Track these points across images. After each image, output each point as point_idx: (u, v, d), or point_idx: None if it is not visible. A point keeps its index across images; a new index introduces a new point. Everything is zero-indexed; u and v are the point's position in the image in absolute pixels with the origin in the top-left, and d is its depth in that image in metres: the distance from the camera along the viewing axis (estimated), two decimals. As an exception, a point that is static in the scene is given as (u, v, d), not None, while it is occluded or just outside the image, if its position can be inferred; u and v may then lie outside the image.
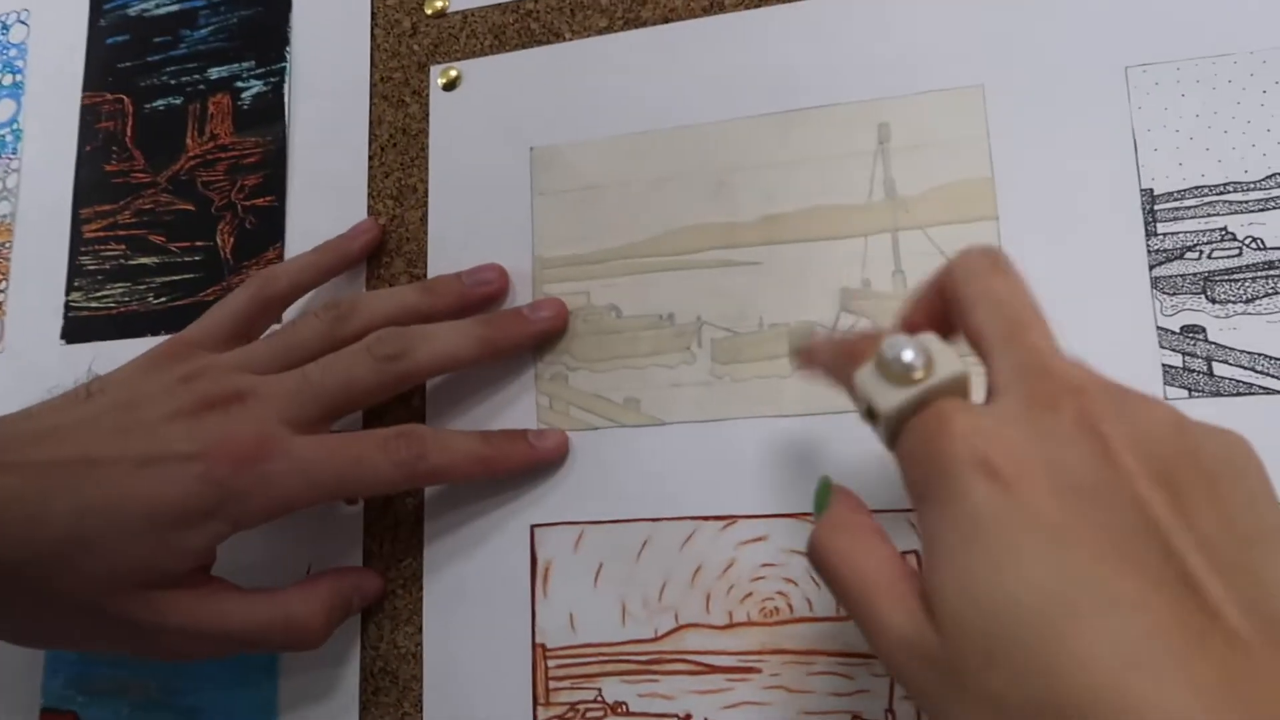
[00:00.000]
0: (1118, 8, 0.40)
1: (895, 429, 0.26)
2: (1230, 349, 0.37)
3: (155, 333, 0.51)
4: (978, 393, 0.27)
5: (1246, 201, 0.37)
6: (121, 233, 0.53)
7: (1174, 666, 0.19)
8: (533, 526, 0.43)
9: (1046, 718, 0.20)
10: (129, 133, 0.54)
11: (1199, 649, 0.19)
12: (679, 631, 0.40)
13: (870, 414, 0.27)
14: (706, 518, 0.41)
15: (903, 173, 0.41)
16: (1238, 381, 0.36)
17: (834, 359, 0.32)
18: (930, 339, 0.27)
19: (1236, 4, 0.39)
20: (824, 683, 0.38)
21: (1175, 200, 0.38)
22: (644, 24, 0.46)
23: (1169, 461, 0.23)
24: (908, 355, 0.26)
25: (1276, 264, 0.37)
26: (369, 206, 0.49)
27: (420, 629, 0.44)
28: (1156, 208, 0.38)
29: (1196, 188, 0.38)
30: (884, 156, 0.42)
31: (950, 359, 0.26)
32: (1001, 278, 0.28)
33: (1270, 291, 0.37)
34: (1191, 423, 0.24)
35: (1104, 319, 0.38)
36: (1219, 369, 0.37)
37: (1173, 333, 0.37)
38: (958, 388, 0.26)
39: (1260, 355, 0.36)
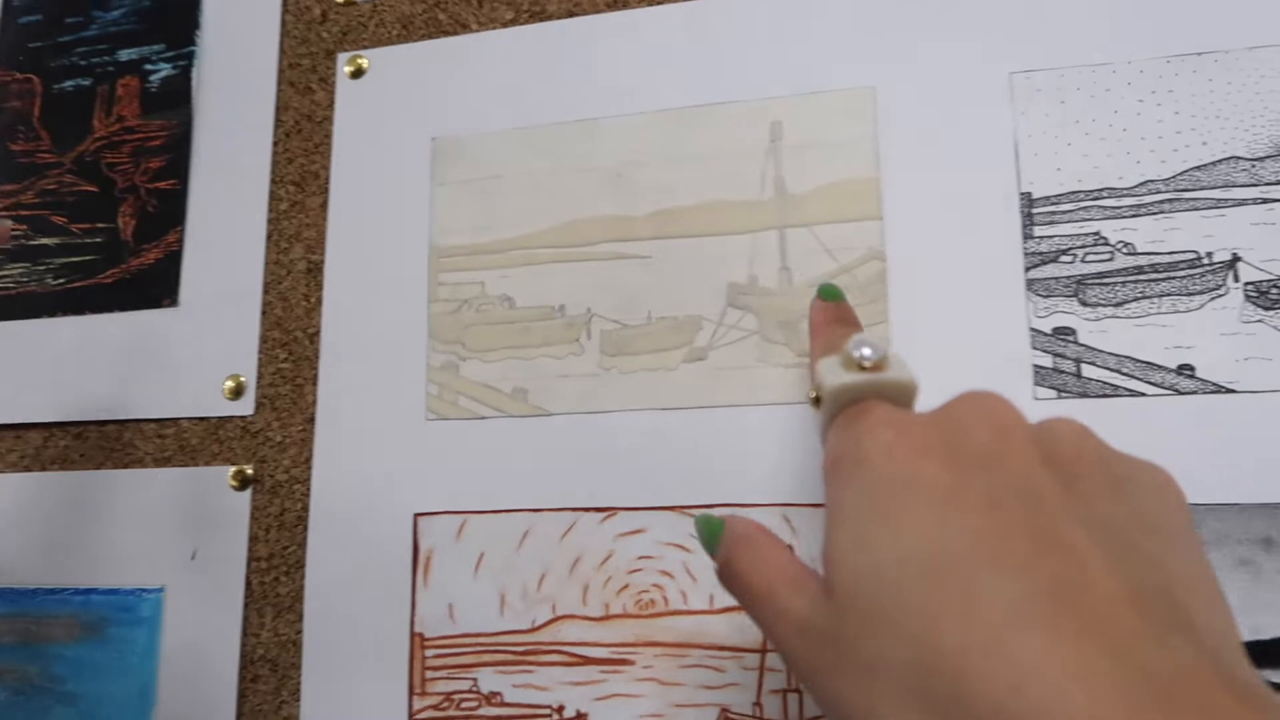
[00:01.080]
0: (1005, 15, 0.41)
1: (832, 412, 0.27)
2: (1099, 351, 0.37)
3: (52, 314, 0.50)
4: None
5: (1120, 207, 0.38)
6: (24, 213, 0.52)
7: (1050, 629, 0.19)
8: (416, 515, 0.43)
9: (922, 679, 0.20)
10: (36, 112, 0.53)
11: (1075, 614, 0.19)
12: (556, 623, 0.40)
13: (815, 399, 0.28)
14: (587, 509, 0.41)
15: (793, 170, 0.42)
16: (1104, 384, 0.37)
17: (829, 323, 0.34)
18: (895, 351, 0.29)
19: (1117, 15, 0.40)
20: (695, 675, 0.38)
21: (1052, 204, 0.39)
22: (549, 18, 0.46)
23: (1069, 458, 0.23)
24: (865, 350, 0.27)
25: (1146, 269, 0.37)
26: (271, 192, 0.48)
27: (301, 617, 0.43)
28: (1034, 211, 0.39)
29: (1073, 193, 0.39)
30: (775, 154, 0.42)
31: (904, 368, 0.28)
32: None
33: (1139, 296, 0.37)
34: (1113, 449, 0.25)
35: (980, 319, 0.38)
36: (1088, 370, 0.37)
37: (1045, 334, 0.38)
38: (901, 393, 0.27)
39: (1127, 358, 0.37)
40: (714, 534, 0.30)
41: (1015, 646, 0.19)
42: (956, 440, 0.23)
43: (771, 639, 0.26)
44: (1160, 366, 0.36)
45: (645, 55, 0.44)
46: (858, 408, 0.26)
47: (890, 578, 0.22)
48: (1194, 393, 0.36)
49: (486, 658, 0.40)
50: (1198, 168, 0.38)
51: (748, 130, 0.42)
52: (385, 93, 0.48)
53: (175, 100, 0.51)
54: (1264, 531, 0.34)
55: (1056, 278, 0.38)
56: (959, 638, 0.20)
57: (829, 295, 0.35)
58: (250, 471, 0.45)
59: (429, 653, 0.41)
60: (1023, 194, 0.39)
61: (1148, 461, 0.25)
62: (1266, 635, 0.33)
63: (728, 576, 0.29)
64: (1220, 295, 0.36)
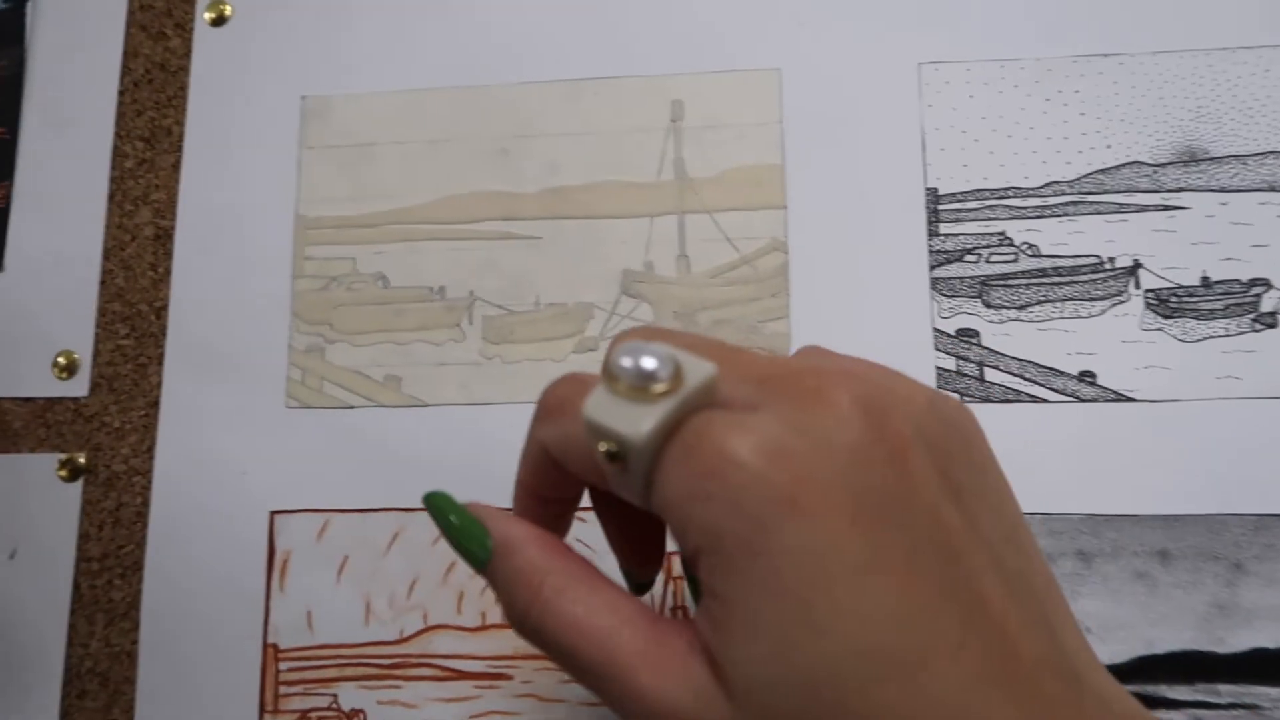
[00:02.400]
0: (914, 3, 0.39)
1: (648, 464, 0.20)
2: (1001, 355, 0.36)
3: None
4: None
5: (1025, 208, 0.37)
6: None
7: (999, 712, 0.18)
8: (272, 513, 0.39)
9: None
10: None
11: (1008, 695, 0.18)
12: (426, 633, 0.37)
13: (613, 455, 0.20)
14: (464, 509, 0.37)
15: (694, 153, 0.39)
16: (1007, 389, 0.36)
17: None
18: (665, 345, 0.21)
19: (1027, 11, 0.39)
20: (578, 691, 0.36)
21: (958, 201, 0.37)
22: (436, -27, 0.43)
23: (939, 444, 0.20)
24: (650, 363, 0.20)
25: (1049, 272, 0.37)
26: (115, 147, 0.43)
27: (137, 625, 0.39)
28: (940, 208, 0.38)
29: (979, 190, 0.37)
30: (675, 135, 0.39)
31: (697, 362, 0.20)
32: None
33: (1042, 299, 0.36)
34: (935, 395, 0.22)
35: (883, 317, 0.37)
36: (990, 374, 0.36)
37: (949, 335, 0.37)
38: (710, 396, 0.20)
39: (1029, 362, 0.36)
40: (475, 537, 0.23)
41: None
42: (851, 474, 0.19)
43: (616, 712, 0.21)
44: (1062, 373, 0.36)
45: (537, 21, 0.41)
46: (696, 449, 0.19)
47: (818, 684, 0.18)
48: (1094, 400, 0.35)
49: (348, 671, 0.37)
50: (1101, 171, 0.37)
51: (646, 108, 0.40)
52: (250, 43, 0.43)
53: (5, 38, 0.45)
54: (1160, 544, 0.34)
55: (961, 277, 0.37)
56: None
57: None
58: (82, 460, 0.40)
59: (283, 665, 0.37)
60: (929, 189, 0.38)
61: (953, 401, 0.22)
62: (1160, 650, 0.33)
63: (530, 631, 0.22)
64: (1122, 302, 0.36)
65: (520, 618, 0.22)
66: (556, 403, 0.24)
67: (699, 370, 0.20)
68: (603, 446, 0.20)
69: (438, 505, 0.24)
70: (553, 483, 0.25)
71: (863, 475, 0.19)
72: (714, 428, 0.19)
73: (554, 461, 0.24)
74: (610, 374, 0.20)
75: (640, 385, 0.19)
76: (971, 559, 0.19)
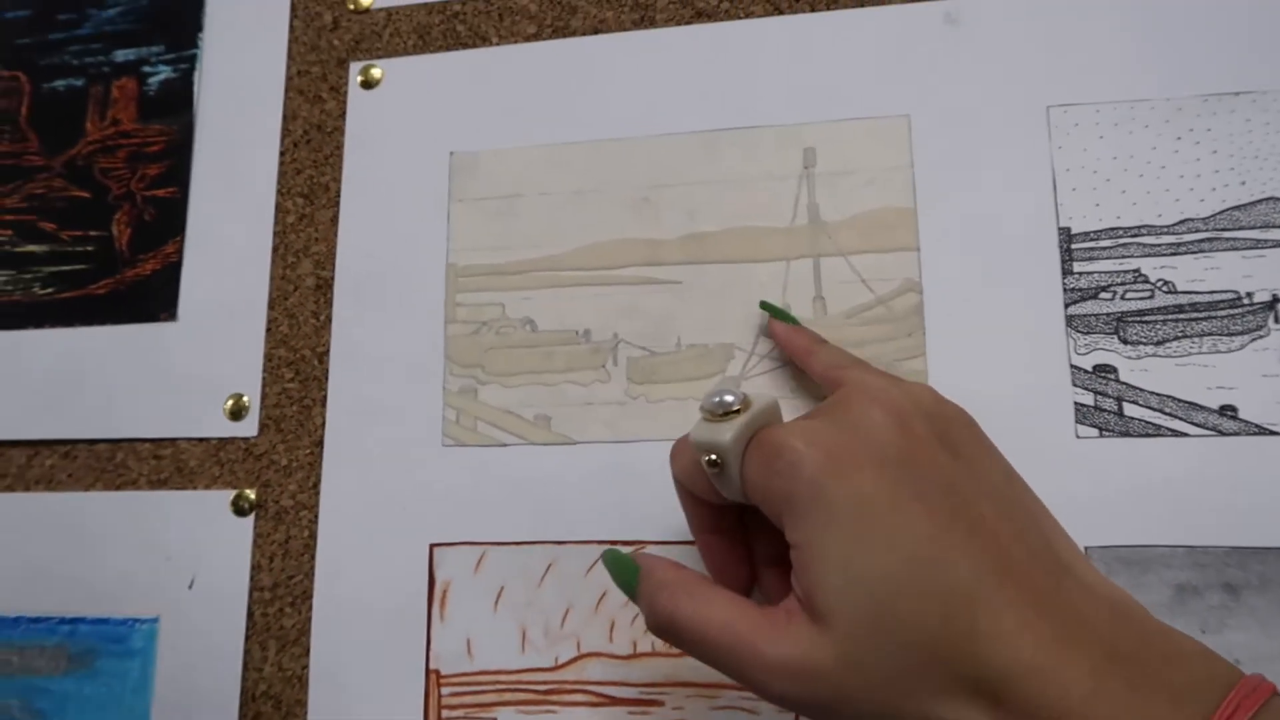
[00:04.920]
0: (1042, 48, 0.40)
1: (738, 464, 0.29)
2: (1140, 390, 0.37)
3: (39, 325, 0.48)
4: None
5: (1159, 245, 0.38)
6: (9, 218, 0.50)
7: (1001, 601, 0.24)
8: (432, 546, 0.41)
9: (934, 676, 0.24)
10: (24, 112, 0.51)
11: (1010, 583, 0.25)
12: (580, 660, 0.39)
13: (713, 462, 0.29)
14: (614, 542, 0.39)
15: (827, 198, 0.41)
16: (1147, 423, 0.36)
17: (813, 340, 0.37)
18: (735, 387, 0.30)
19: (1154, 52, 0.39)
20: (728, 717, 0.37)
21: (1091, 240, 0.38)
22: (573, 34, 0.45)
23: (938, 418, 0.28)
24: (728, 397, 0.29)
25: (1186, 308, 0.37)
26: (278, 204, 0.46)
27: (308, 651, 0.41)
28: (1073, 247, 0.38)
29: (1112, 229, 0.38)
30: (809, 181, 0.41)
31: (760, 394, 0.30)
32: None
33: (1179, 335, 0.37)
34: (940, 395, 0.30)
35: (1019, 354, 0.38)
36: (1129, 409, 0.37)
37: (1085, 371, 0.37)
38: (774, 415, 0.30)
39: (1168, 397, 0.37)
40: (629, 573, 0.31)
41: (984, 626, 0.24)
42: (872, 443, 0.27)
43: (751, 686, 0.27)
44: (1202, 407, 0.36)
45: (671, 76, 0.43)
46: (764, 445, 0.28)
47: (877, 591, 0.25)
48: (1237, 434, 0.36)
49: (507, 697, 0.39)
50: (1236, 207, 0.38)
51: (779, 156, 0.42)
52: (400, 104, 0.46)
53: (175, 105, 0.49)
54: (1313, 578, 0.34)
55: (1096, 314, 0.38)
56: (944, 630, 0.24)
57: (783, 315, 0.39)
58: (253, 496, 0.43)
59: (445, 691, 0.39)
60: (1061, 229, 0.39)
61: (955, 405, 0.30)
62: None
63: (673, 631, 0.29)
64: (1261, 336, 0.36)
65: (659, 617, 0.29)
66: (675, 449, 0.32)
67: (763, 398, 0.30)
68: (705, 458, 0.29)
69: (609, 555, 0.32)
70: (701, 515, 0.33)
71: (880, 442, 0.27)
72: (776, 431, 0.28)
73: (692, 495, 0.32)
74: (703, 409, 0.29)
75: (721, 411, 0.29)
76: (968, 491, 0.27)
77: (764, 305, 0.39)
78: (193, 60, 0.49)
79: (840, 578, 0.25)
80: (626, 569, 0.31)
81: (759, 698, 0.28)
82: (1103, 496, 0.36)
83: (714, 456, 0.29)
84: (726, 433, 0.28)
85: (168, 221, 0.47)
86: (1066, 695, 0.23)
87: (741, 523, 0.33)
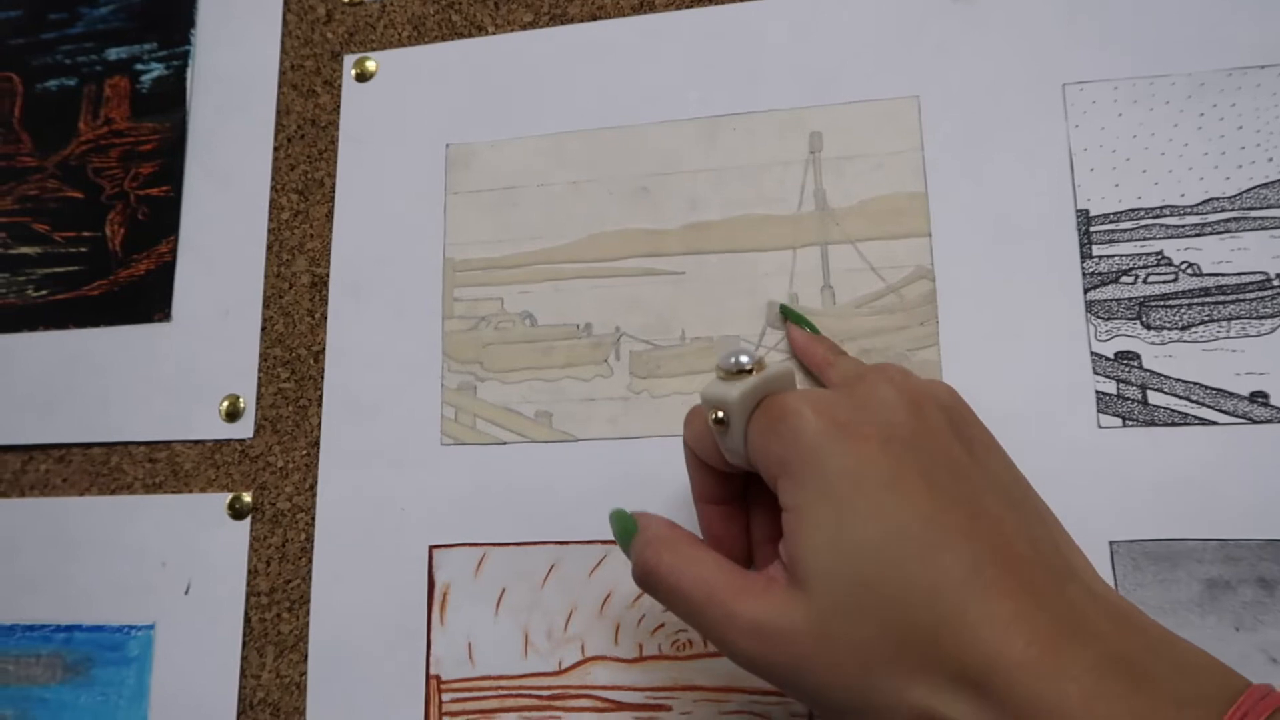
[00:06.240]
0: (1056, 22, 0.39)
1: (743, 424, 0.28)
2: (1165, 377, 0.35)
3: (33, 327, 0.47)
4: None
5: (1183, 226, 0.36)
6: (2, 220, 0.49)
7: (995, 591, 0.23)
8: (431, 548, 0.40)
9: (905, 651, 0.23)
10: (17, 113, 0.50)
11: (1009, 575, 0.23)
12: (584, 665, 0.37)
13: (719, 420, 0.28)
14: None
15: (834, 183, 0.39)
16: (1173, 411, 0.35)
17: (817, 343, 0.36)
18: (755, 349, 0.30)
19: (1175, 25, 0.38)
20: (736, 722, 0.36)
21: (1111, 222, 0.37)
22: (571, 21, 0.44)
23: (960, 420, 0.28)
24: (742, 357, 0.28)
25: (1212, 291, 0.36)
26: (272, 200, 0.45)
27: (306, 657, 0.40)
28: (1092, 229, 0.37)
29: (1132, 210, 0.37)
30: (815, 166, 0.40)
31: (777, 360, 0.30)
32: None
33: (1206, 319, 0.35)
34: (961, 397, 0.29)
35: (1037, 342, 0.36)
36: (1154, 397, 0.35)
37: (1107, 359, 0.36)
38: (787, 381, 0.29)
39: (1195, 384, 0.35)
40: (628, 531, 0.30)
41: (974, 614, 0.23)
42: (882, 419, 0.26)
43: (720, 645, 0.27)
44: (1232, 394, 0.35)
45: (672, 61, 0.42)
46: (770, 407, 0.27)
47: (862, 562, 0.24)
48: (1269, 421, 0.34)
49: (509, 702, 0.38)
50: (1264, 185, 0.36)
51: (784, 141, 0.40)
52: (395, 97, 0.45)
53: (168, 102, 0.48)
54: (1353, 571, 0.32)
55: (1118, 299, 0.36)
56: (929, 612, 0.23)
57: (803, 321, 0.37)
58: (248, 499, 0.42)
59: (446, 697, 0.38)
60: (1079, 211, 0.37)
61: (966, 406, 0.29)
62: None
63: (650, 581, 0.29)
64: (1293, 319, 0.35)
65: (642, 568, 0.29)
66: (690, 414, 0.32)
67: (779, 364, 0.29)
68: (712, 415, 0.28)
69: (614, 513, 0.32)
70: (706, 481, 0.32)
71: (889, 418, 0.26)
72: (786, 396, 0.27)
73: (699, 460, 0.32)
74: (718, 367, 0.29)
75: (734, 370, 0.28)
76: (975, 481, 0.26)
77: (783, 309, 0.38)
78: (185, 57, 0.48)
79: (826, 544, 0.25)
80: (626, 525, 0.31)
81: (730, 659, 0.27)
82: (1128, 489, 0.34)
83: (720, 414, 0.28)
84: (735, 390, 0.28)
85: (161, 221, 0.47)
86: (1063, 693, 0.22)
87: (744, 496, 0.32)
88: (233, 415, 0.43)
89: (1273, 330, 0.35)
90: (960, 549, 0.24)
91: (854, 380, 0.28)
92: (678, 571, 0.28)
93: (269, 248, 0.45)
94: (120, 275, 0.46)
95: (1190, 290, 0.36)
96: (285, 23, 0.47)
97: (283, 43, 0.47)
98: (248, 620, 0.41)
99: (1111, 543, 0.34)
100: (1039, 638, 0.22)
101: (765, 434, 0.27)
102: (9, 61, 0.51)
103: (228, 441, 0.43)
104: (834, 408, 0.26)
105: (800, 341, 0.37)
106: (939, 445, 0.26)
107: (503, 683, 0.38)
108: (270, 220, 0.45)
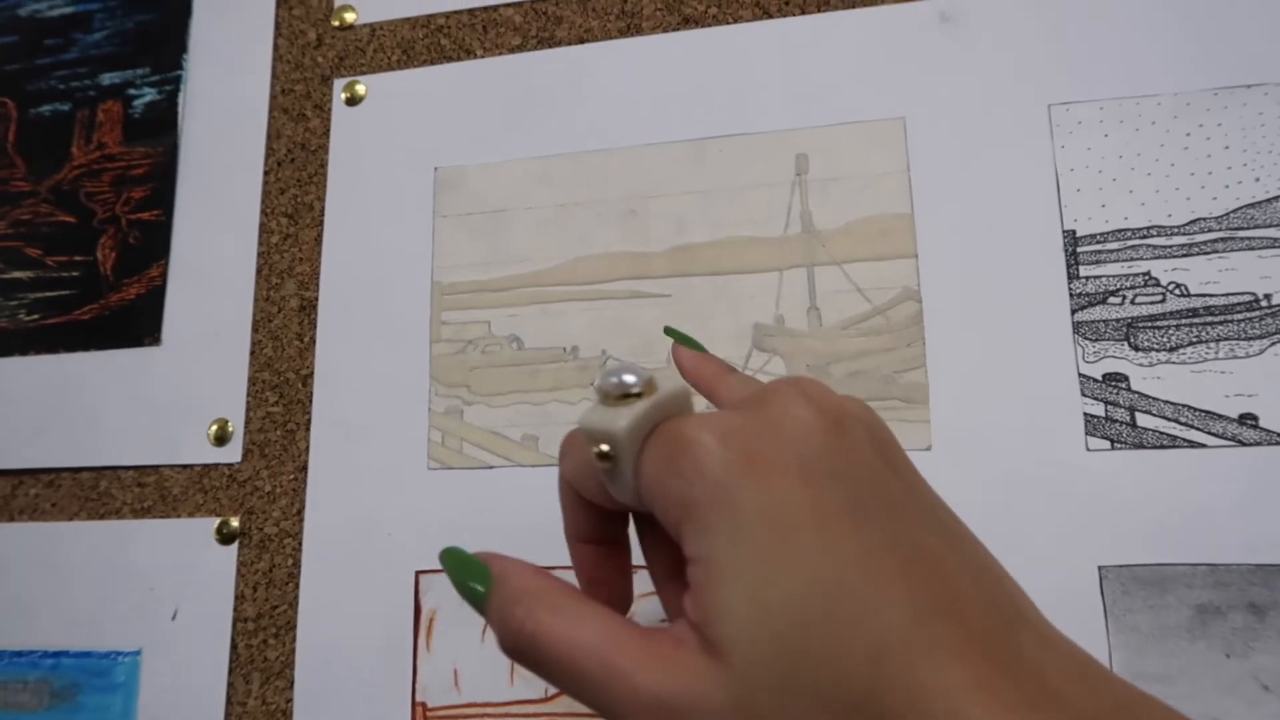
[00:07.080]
0: (1042, 43, 0.39)
1: (633, 459, 0.23)
2: (1154, 399, 0.35)
3: (24, 352, 0.47)
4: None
5: (1170, 246, 0.36)
6: (-5, 245, 0.49)
7: (943, 650, 0.20)
8: (417, 573, 0.39)
9: (854, 715, 0.20)
10: (11, 138, 0.50)
11: (957, 629, 0.20)
12: (570, 691, 0.37)
13: (604, 454, 0.23)
14: (604, 567, 0.38)
15: (820, 205, 0.39)
16: (1161, 434, 0.35)
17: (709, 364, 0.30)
18: (642, 367, 0.25)
19: (1160, 45, 0.38)
20: (723, 749, 0.35)
21: (1098, 243, 0.37)
22: (558, 44, 0.44)
23: (875, 431, 0.24)
24: (628, 377, 0.24)
25: (1200, 312, 0.35)
26: (262, 224, 0.45)
27: (292, 684, 0.40)
28: (1079, 250, 0.37)
29: (1119, 230, 0.37)
30: (801, 188, 0.40)
31: (670, 377, 0.25)
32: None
33: (1194, 340, 0.35)
34: (870, 408, 0.25)
35: (1024, 364, 0.36)
36: (1142, 419, 0.35)
37: (1095, 380, 0.35)
38: (685, 403, 0.24)
39: (1184, 406, 0.35)
40: (478, 580, 0.25)
41: (924, 681, 0.19)
42: (800, 446, 0.22)
43: None
44: (1221, 416, 0.34)
45: (659, 84, 0.42)
46: (667, 437, 0.23)
47: (787, 624, 0.20)
48: (1258, 444, 0.34)
49: (495, 729, 0.37)
50: (1251, 205, 0.36)
51: (770, 163, 0.40)
52: (384, 120, 0.45)
53: (160, 127, 0.48)
54: (1344, 597, 0.32)
55: (1105, 320, 0.36)
56: (870, 680, 0.19)
57: (690, 343, 0.32)
58: (236, 524, 0.42)
59: (431, 724, 0.38)
60: (1066, 232, 0.37)
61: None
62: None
63: (528, 651, 0.23)
64: (1281, 340, 0.34)
65: (515, 635, 0.23)
66: (565, 443, 0.27)
67: (672, 381, 0.24)
68: (596, 449, 0.23)
69: (448, 554, 0.26)
70: (585, 520, 0.28)
71: (808, 444, 0.22)
72: (684, 423, 0.23)
73: (578, 497, 0.27)
74: (599, 390, 0.24)
75: (620, 394, 0.23)
76: (910, 514, 0.22)
77: (668, 331, 0.33)
78: (177, 81, 0.49)
79: (743, 603, 0.21)
80: (473, 571, 0.25)
81: None
82: (1116, 512, 0.34)
83: (605, 448, 0.23)
84: (622, 419, 0.23)
85: (152, 245, 0.47)
86: None
87: (627, 534, 0.28)
88: (221, 439, 0.43)
89: (1261, 351, 0.34)
90: (900, 602, 0.20)
91: (761, 397, 0.24)
92: (562, 637, 0.22)
93: (258, 271, 0.45)
94: (111, 299, 0.46)
95: (1178, 311, 0.35)
96: (276, 48, 0.48)
97: (273, 67, 0.47)
98: (234, 646, 0.41)
99: (1100, 567, 0.34)
100: (1001, 706, 0.19)
101: (662, 471, 0.23)
102: (4, 86, 0.51)
103: (216, 466, 0.43)
104: (741, 434, 0.22)
105: (688, 362, 0.31)
106: (866, 474, 0.22)
107: (488, 710, 0.38)
108: (260, 244, 0.45)
